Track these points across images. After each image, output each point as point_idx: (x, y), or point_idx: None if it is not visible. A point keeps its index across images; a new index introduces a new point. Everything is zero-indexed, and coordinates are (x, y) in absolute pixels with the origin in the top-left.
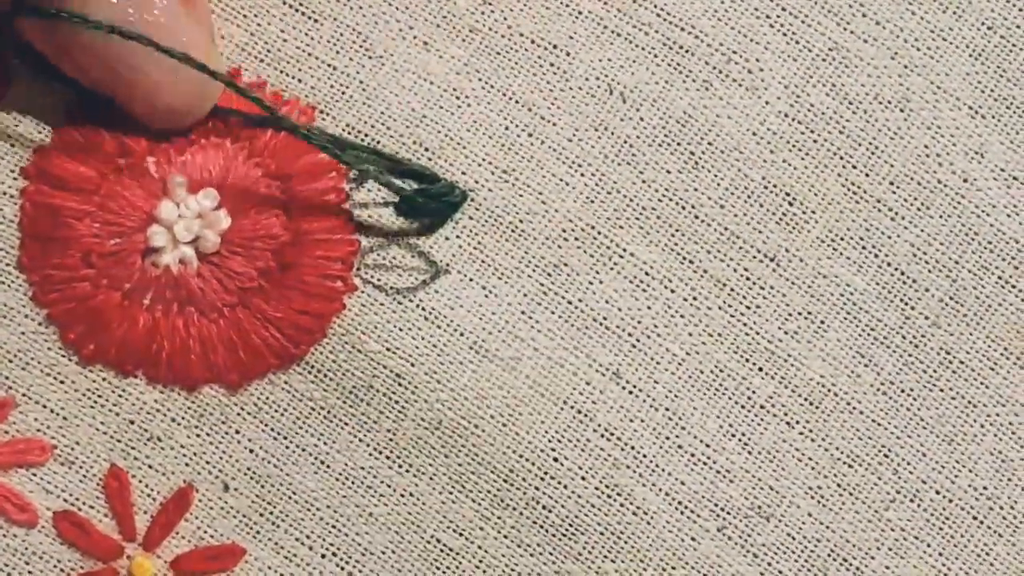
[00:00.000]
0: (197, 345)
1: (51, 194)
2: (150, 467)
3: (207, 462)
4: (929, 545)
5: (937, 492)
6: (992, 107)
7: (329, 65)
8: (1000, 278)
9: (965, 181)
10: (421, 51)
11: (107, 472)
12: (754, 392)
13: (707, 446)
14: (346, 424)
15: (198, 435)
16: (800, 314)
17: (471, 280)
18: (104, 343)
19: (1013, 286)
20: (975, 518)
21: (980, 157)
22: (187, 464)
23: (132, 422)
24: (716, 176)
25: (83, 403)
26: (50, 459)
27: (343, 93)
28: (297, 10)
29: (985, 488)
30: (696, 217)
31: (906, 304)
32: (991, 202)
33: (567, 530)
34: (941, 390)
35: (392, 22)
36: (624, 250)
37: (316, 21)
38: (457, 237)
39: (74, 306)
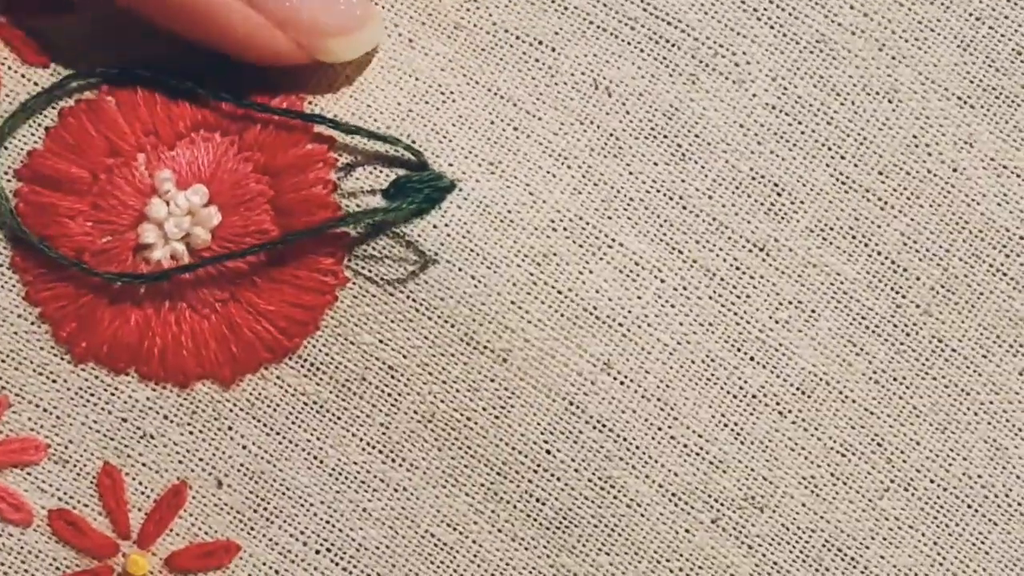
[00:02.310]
0: (189, 340)
1: (44, 194)
2: (143, 464)
3: (200, 459)
4: (924, 534)
5: (931, 481)
6: (981, 97)
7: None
8: (991, 266)
9: (954, 170)
10: (406, 48)
11: (100, 470)
12: (746, 382)
13: (699, 436)
14: (339, 419)
15: (191, 432)
16: (791, 303)
17: (460, 270)
18: (96, 340)
19: (1004, 274)
20: (969, 507)
21: (969, 147)
22: (180, 461)
23: (125, 420)
24: (704, 167)
25: (76, 401)
26: (44, 458)
27: (330, 87)
28: None
29: (979, 476)
30: (684, 208)
31: (897, 293)
32: (981, 191)
33: (561, 523)
34: (934, 378)
35: None
36: (613, 240)
37: None
38: (446, 226)
39: (66, 304)
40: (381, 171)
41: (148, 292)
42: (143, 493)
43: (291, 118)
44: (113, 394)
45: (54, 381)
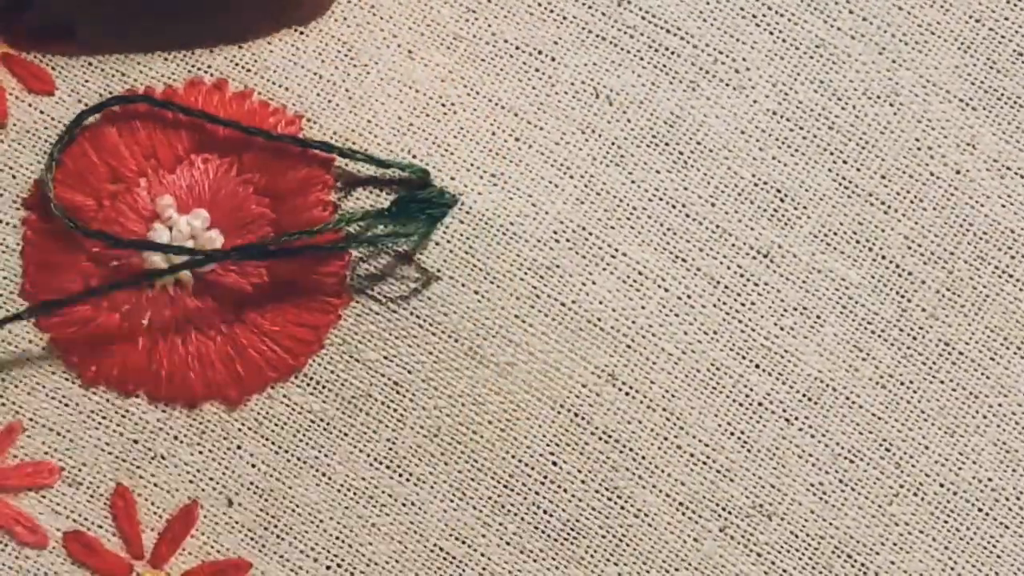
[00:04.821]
0: (195, 362)
1: (52, 222)
2: (155, 485)
3: (211, 478)
4: (934, 539)
5: (941, 485)
6: (982, 99)
7: (315, 74)
8: (997, 268)
9: (958, 173)
10: (405, 59)
11: (114, 491)
12: (752, 389)
13: (706, 445)
14: (346, 435)
15: (201, 452)
16: (795, 309)
17: (463, 285)
18: (106, 364)
19: (1010, 275)
20: (980, 510)
21: (972, 148)
22: (191, 481)
23: (136, 441)
24: (706, 175)
25: (88, 424)
26: (58, 481)
27: (329, 101)
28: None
29: (990, 480)
30: (687, 216)
31: (903, 296)
32: (985, 193)
33: (569, 534)
34: (941, 382)
35: (376, 31)
36: (616, 250)
37: (301, 32)
38: (448, 242)
39: (75, 329)
40: (383, 189)
41: (155, 316)
42: (155, 513)
43: (293, 145)
44: (124, 416)
45: (66, 405)
